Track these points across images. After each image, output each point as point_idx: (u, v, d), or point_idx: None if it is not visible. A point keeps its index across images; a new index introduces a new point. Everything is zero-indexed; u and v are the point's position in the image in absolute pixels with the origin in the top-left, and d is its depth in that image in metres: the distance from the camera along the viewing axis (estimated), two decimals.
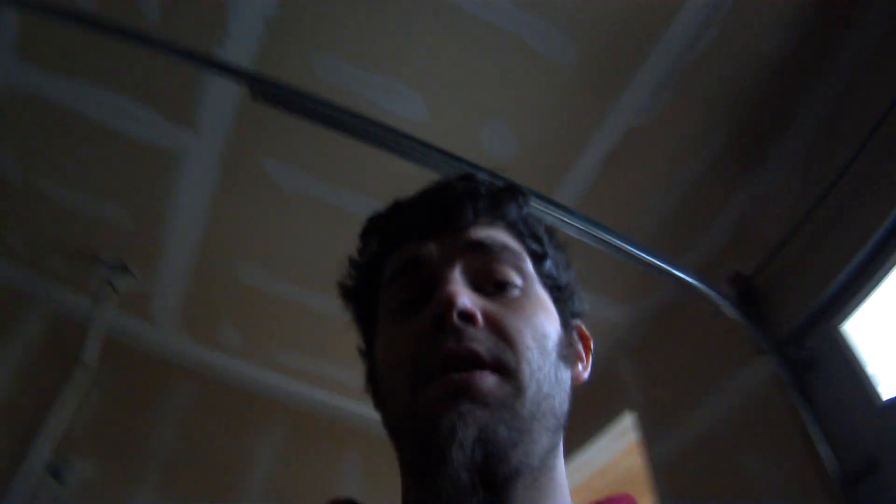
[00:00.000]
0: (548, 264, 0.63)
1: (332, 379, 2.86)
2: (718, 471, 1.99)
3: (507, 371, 0.51)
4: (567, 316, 0.62)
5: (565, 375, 0.57)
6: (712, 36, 1.81)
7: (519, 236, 0.63)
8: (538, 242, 0.64)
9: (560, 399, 0.54)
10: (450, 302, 0.51)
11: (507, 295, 0.56)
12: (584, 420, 2.57)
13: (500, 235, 0.61)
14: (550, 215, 1.47)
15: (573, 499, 0.56)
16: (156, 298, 2.55)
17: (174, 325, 2.65)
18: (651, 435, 2.32)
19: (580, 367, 0.62)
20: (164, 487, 2.35)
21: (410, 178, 2.10)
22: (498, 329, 0.53)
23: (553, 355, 0.55)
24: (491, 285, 0.57)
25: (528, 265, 0.60)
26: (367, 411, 2.93)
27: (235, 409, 2.72)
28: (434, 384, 0.50)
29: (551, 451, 0.54)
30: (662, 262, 1.69)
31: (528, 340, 0.53)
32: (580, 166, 2.12)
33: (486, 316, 0.53)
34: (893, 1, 1.71)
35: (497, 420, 0.48)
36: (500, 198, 0.64)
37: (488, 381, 0.49)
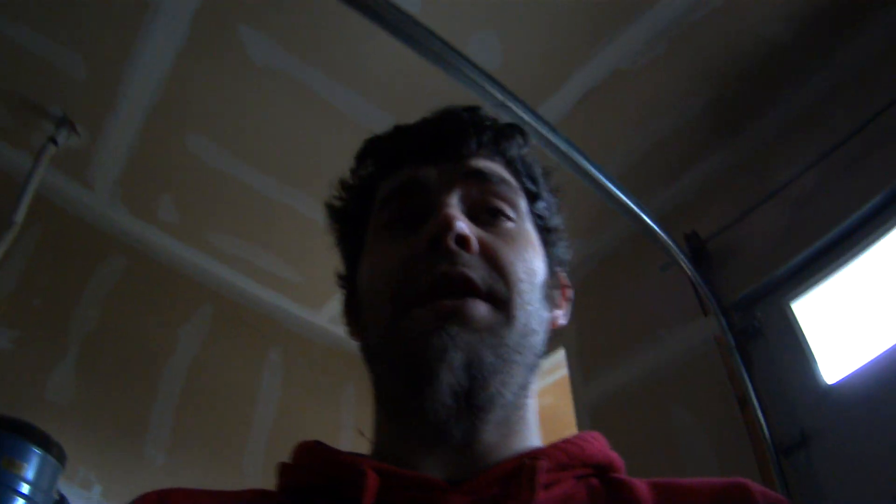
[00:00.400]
0: (541, 205, 0.64)
1: (266, 271, 2.79)
2: (647, 420, 2.05)
3: (499, 301, 0.51)
4: (552, 259, 0.63)
5: (546, 316, 0.57)
6: (717, 4, 1.85)
7: (516, 174, 0.63)
8: (534, 183, 0.64)
9: (541, 337, 0.55)
10: (448, 225, 0.51)
11: (500, 226, 0.57)
12: None
13: (499, 169, 0.61)
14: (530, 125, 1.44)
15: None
16: (97, 162, 2.39)
17: (112, 192, 2.50)
18: (582, 374, 2.36)
19: (558, 312, 0.63)
20: (82, 365, 2.22)
21: (391, 73, 2.03)
22: (492, 258, 0.53)
23: (539, 293, 0.56)
24: (486, 215, 0.57)
25: (523, 202, 0.61)
26: (294, 309, 2.90)
27: (164, 289, 2.61)
28: (425, 306, 0.50)
29: (525, 388, 0.54)
30: (629, 200, 1.69)
31: (519, 273, 0.54)
32: (559, 96, 2.10)
33: (481, 243, 0.53)
34: None
35: (485, 345, 0.49)
36: (503, 134, 0.64)
37: (481, 308, 0.50)
